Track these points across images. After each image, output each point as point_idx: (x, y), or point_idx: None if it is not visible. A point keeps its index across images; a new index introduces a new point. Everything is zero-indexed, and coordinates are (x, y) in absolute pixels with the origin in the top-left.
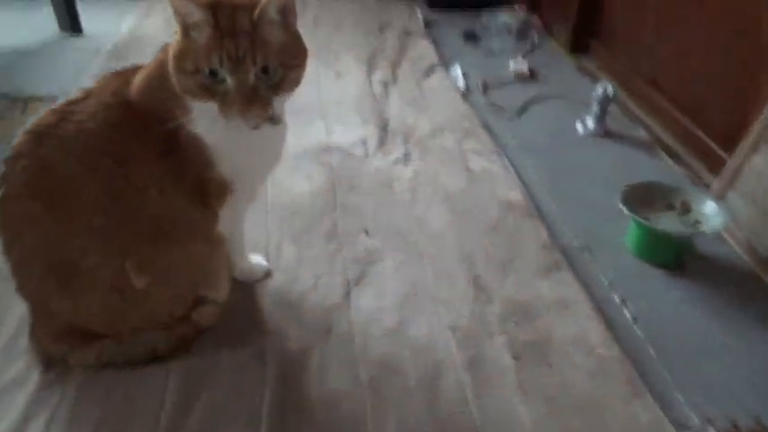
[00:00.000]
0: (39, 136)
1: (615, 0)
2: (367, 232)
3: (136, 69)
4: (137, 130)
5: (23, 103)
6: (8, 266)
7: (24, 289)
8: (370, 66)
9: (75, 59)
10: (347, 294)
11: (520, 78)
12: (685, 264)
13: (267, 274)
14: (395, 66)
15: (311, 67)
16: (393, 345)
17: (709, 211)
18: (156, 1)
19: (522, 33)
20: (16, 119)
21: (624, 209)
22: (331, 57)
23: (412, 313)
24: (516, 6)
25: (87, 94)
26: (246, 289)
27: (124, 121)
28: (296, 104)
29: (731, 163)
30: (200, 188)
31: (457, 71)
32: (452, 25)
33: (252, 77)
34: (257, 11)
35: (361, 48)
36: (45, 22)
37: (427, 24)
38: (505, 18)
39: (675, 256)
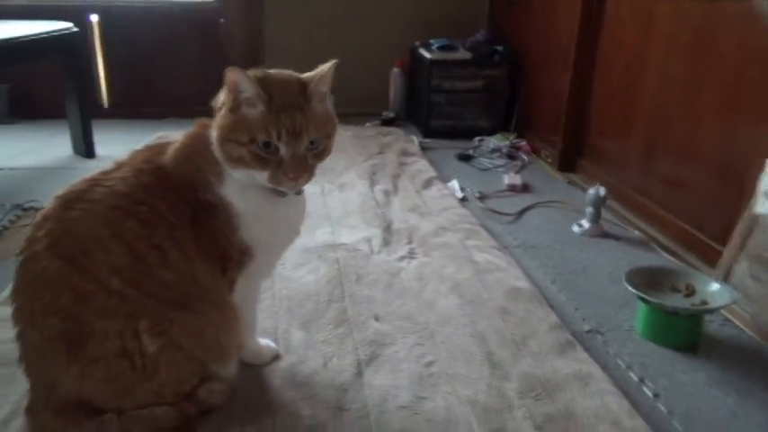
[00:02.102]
0: (68, 200)
1: (601, 124)
2: (377, 318)
3: (168, 143)
4: (166, 194)
5: (35, 212)
6: (15, 331)
7: (29, 355)
8: (372, 179)
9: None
10: (359, 374)
11: (513, 190)
12: (697, 345)
13: (276, 357)
14: (395, 178)
15: (317, 182)
16: (410, 420)
17: (715, 290)
18: (169, 130)
19: (511, 155)
20: (27, 227)
21: (630, 287)
22: (335, 174)
23: (428, 390)
24: (511, 137)
25: (120, 165)
26: (255, 369)
27: (154, 185)
28: None
29: (727, 252)
30: (222, 254)
31: (454, 183)
32: (447, 149)
33: (303, 148)
34: (310, 87)
35: (364, 166)
36: (63, 147)
37: (423, 148)
38: (496, 141)
39: (687, 336)
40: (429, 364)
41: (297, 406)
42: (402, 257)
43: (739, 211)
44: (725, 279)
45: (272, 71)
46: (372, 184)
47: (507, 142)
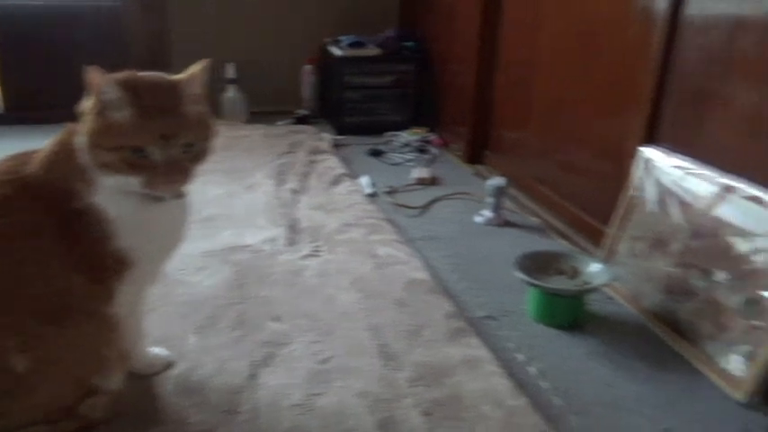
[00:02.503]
0: None
1: (503, 117)
2: (276, 319)
3: (33, 152)
4: (31, 205)
5: None
6: None
7: None
8: (280, 179)
9: None
10: (254, 375)
11: (422, 183)
12: (582, 323)
13: (168, 365)
14: (304, 177)
15: (223, 183)
16: (301, 418)
17: (596, 270)
18: None
19: (421, 149)
20: None
21: (517, 273)
22: (242, 174)
23: (321, 386)
24: (422, 132)
25: None
26: (147, 379)
27: (16, 197)
28: (207, 214)
29: (609, 234)
30: (98, 264)
31: (364, 179)
32: (359, 145)
33: (178, 152)
34: (181, 89)
35: (272, 165)
36: None
37: (336, 145)
38: (406, 136)
39: (570, 315)
40: (325, 360)
41: (186, 413)
42: (306, 256)
43: (620, 194)
44: (608, 259)
45: (141, 73)
46: (280, 183)
47: (418, 137)
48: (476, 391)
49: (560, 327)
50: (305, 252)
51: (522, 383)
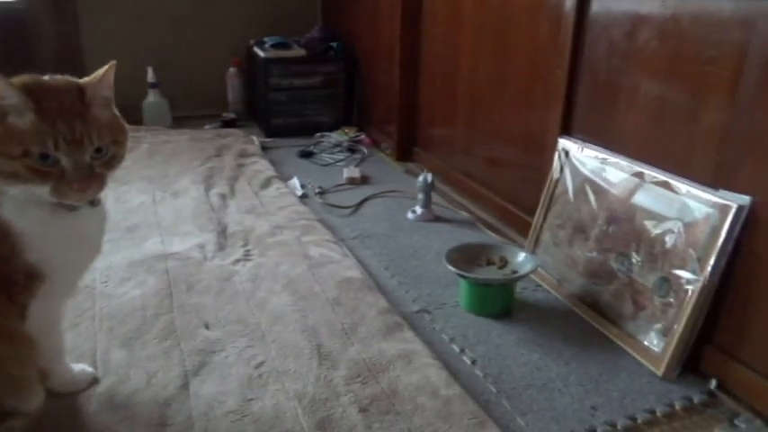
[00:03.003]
0: None
1: (429, 113)
2: (207, 326)
3: None
4: None
5: None
6: None
7: None
8: (208, 184)
9: None
10: (185, 385)
11: (353, 183)
12: (512, 311)
13: (92, 382)
14: (232, 181)
15: (147, 191)
16: (237, 424)
17: (522, 260)
18: None
19: (352, 149)
20: None
21: (448, 265)
22: (167, 181)
23: (256, 391)
24: (351, 132)
25: None
26: (70, 397)
27: None
28: (130, 223)
29: (534, 224)
30: (5, 279)
31: (294, 181)
32: (289, 147)
33: (88, 157)
34: (89, 92)
35: (199, 170)
36: None
37: (265, 148)
38: (337, 137)
39: (500, 304)
40: (259, 364)
41: (114, 429)
42: (237, 261)
43: (543, 185)
44: (534, 248)
45: (45, 77)
46: (208, 188)
47: (348, 136)
48: (412, 384)
49: (491, 316)
50: (235, 257)
51: (456, 373)
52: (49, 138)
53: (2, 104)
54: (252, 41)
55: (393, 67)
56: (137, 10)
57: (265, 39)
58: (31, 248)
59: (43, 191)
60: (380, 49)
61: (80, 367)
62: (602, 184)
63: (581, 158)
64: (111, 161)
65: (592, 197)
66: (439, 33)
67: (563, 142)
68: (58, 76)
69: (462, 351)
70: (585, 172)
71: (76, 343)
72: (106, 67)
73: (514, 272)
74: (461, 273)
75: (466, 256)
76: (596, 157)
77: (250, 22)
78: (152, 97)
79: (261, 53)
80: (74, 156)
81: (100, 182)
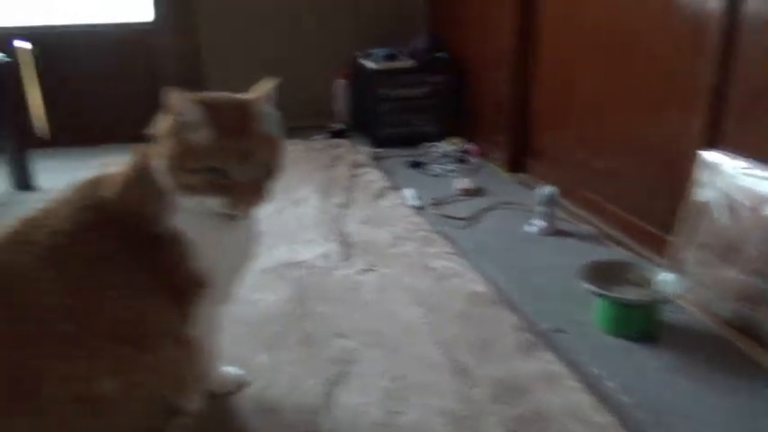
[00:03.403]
0: (9, 244)
1: (543, 123)
2: (341, 335)
3: (107, 176)
4: (110, 230)
5: None
6: None
7: None
8: (326, 193)
9: (26, 210)
10: (328, 394)
11: (466, 194)
12: (655, 335)
13: (243, 384)
14: (348, 191)
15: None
16: None
17: (665, 280)
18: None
19: (461, 159)
20: None
21: (584, 284)
22: (289, 190)
23: (399, 404)
24: (460, 142)
25: (58, 202)
26: (222, 398)
27: (96, 223)
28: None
29: (672, 242)
30: (176, 286)
31: (407, 192)
32: (398, 157)
33: (255, 171)
34: (254, 109)
35: (316, 180)
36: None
37: (375, 158)
38: (445, 147)
39: (643, 327)
40: (397, 377)
41: None
42: (361, 271)
43: (679, 199)
44: (675, 268)
45: (212, 94)
46: (326, 197)
47: (456, 147)
48: (558, 408)
49: (633, 339)
50: (360, 267)
51: (603, 398)
52: (224, 154)
53: (182, 121)
54: (358, 53)
55: (504, 75)
56: (250, 27)
57: (372, 50)
58: (199, 257)
59: (215, 203)
60: (490, 58)
61: (231, 369)
62: (756, 200)
63: (731, 172)
64: (273, 174)
65: (745, 214)
66: (555, 40)
67: (707, 154)
68: (224, 93)
69: (605, 375)
70: (737, 187)
71: (223, 346)
72: (269, 84)
73: (656, 292)
74: (601, 292)
75: (601, 274)
76: (750, 171)
77: (356, 35)
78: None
79: (369, 65)
80: (245, 170)
81: (265, 194)
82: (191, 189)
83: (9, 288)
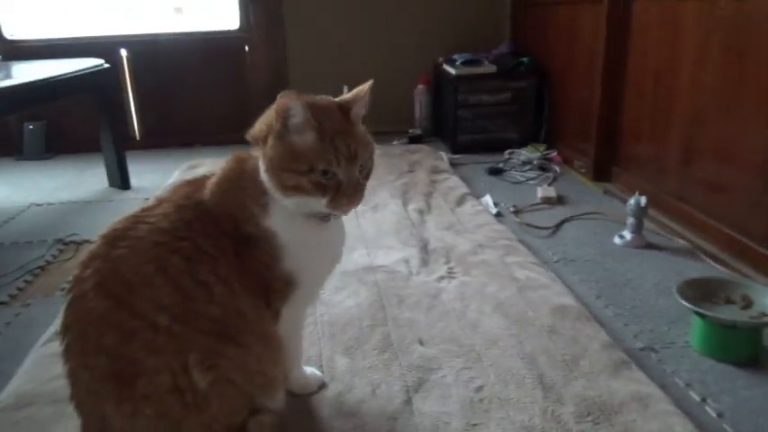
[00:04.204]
0: (112, 239)
1: (634, 131)
2: (421, 342)
3: (206, 178)
4: (207, 229)
5: (76, 246)
6: (66, 369)
7: (80, 395)
8: (405, 199)
9: (124, 208)
10: (408, 401)
11: (548, 203)
12: (759, 359)
13: (322, 386)
14: (428, 197)
15: None
16: None
17: None
18: (200, 158)
19: (543, 167)
20: (69, 261)
21: (683, 301)
22: (367, 194)
23: (480, 416)
24: (542, 149)
25: (160, 201)
26: (302, 399)
27: (196, 221)
28: None
29: None
30: (266, 286)
31: (488, 199)
32: (476, 164)
33: (357, 171)
34: (353, 110)
35: (395, 185)
36: (99, 180)
37: (453, 164)
38: (527, 154)
39: (747, 350)
40: (479, 388)
41: None
42: (441, 277)
43: None
44: None
45: (314, 96)
46: (405, 203)
47: (538, 154)
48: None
49: (734, 362)
50: (439, 274)
51: (702, 426)
52: (331, 155)
53: (290, 123)
54: (440, 59)
55: (593, 81)
56: (335, 34)
57: (455, 56)
58: (291, 258)
59: (317, 203)
60: (578, 63)
61: (311, 371)
62: None
63: None
64: (369, 174)
65: None
66: (651, 45)
67: None
68: (322, 96)
69: (704, 400)
70: None
71: (304, 347)
72: (365, 85)
73: (763, 314)
74: (702, 311)
75: (700, 292)
76: None
77: (438, 41)
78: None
79: (451, 70)
80: (348, 170)
81: (363, 194)
82: (296, 190)
83: (115, 284)
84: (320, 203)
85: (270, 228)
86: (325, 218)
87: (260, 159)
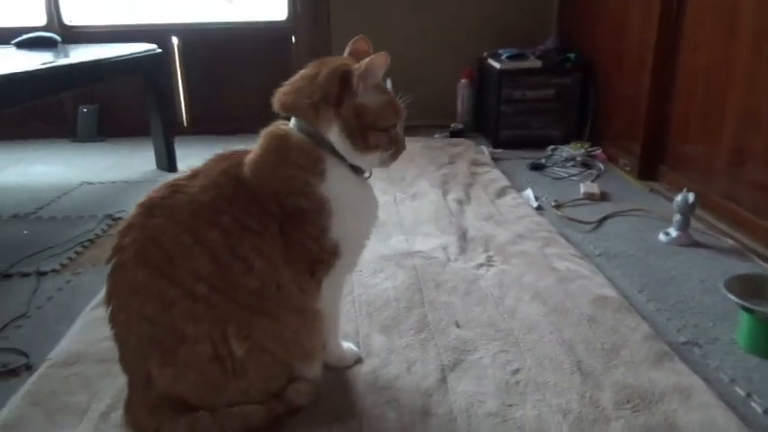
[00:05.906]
0: (151, 207)
1: (683, 130)
2: (458, 325)
3: (242, 153)
4: (249, 206)
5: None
6: (113, 333)
7: (127, 357)
8: (444, 189)
9: None
10: (443, 379)
11: (591, 199)
12: None
13: (358, 361)
14: (467, 188)
15: (389, 191)
16: (500, 428)
17: None
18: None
19: (586, 164)
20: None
21: (730, 295)
22: (406, 184)
23: (515, 397)
24: (586, 146)
25: (196, 173)
26: (337, 372)
27: (235, 197)
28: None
29: None
30: (312, 258)
31: (529, 192)
32: (518, 159)
33: None
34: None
35: (435, 175)
36: (147, 162)
37: (494, 159)
38: (570, 150)
39: None
40: (515, 371)
41: (381, 409)
42: (480, 265)
43: None
44: None
45: (348, 58)
46: (445, 193)
47: (582, 150)
48: (694, 423)
49: None
50: (478, 261)
51: (746, 420)
52: (399, 111)
53: (373, 83)
54: (485, 53)
55: (641, 77)
56: (380, 26)
57: (500, 50)
58: (338, 225)
59: (386, 156)
60: (626, 58)
61: (348, 345)
62: None
63: None
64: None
65: None
66: (705, 41)
67: None
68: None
69: (749, 396)
70: None
71: (341, 323)
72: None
73: None
74: (749, 306)
75: (748, 288)
76: None
77: (483, 36)
78: None
79: (495, 64)
80: (401, 126)
81: None
82: (376, 147)
83: (154, 253)
84: (383, 157)
85: (324, 195)
86: (367, 177)
87: (324, 125)
